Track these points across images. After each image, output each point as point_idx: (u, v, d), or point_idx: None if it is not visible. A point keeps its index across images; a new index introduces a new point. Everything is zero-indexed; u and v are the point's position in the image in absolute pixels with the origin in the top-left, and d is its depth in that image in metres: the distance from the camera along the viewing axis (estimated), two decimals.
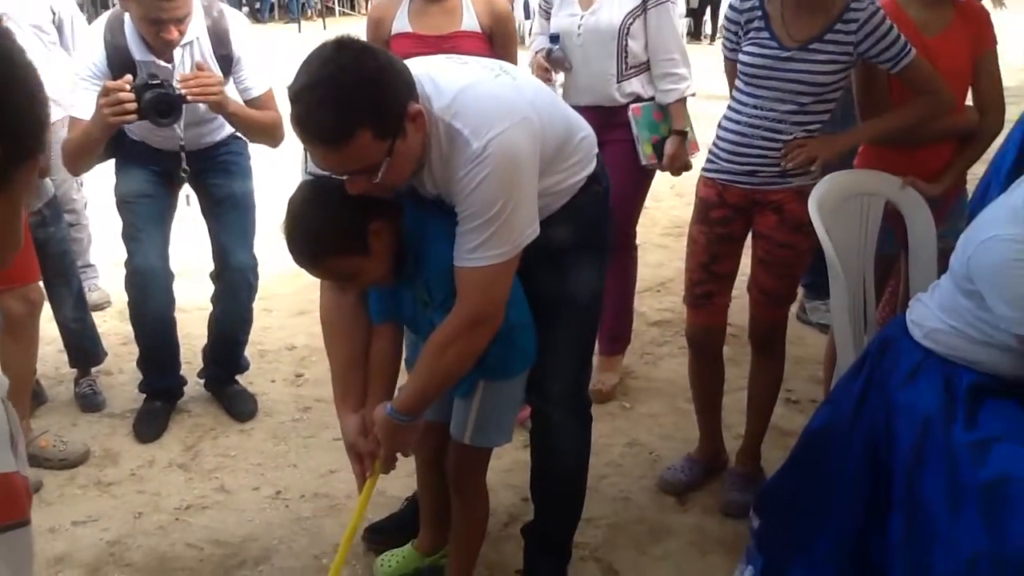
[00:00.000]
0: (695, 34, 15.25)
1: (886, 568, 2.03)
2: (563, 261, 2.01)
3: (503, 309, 1.83)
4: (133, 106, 2.53)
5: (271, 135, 2.92)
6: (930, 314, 2.04)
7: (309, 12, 20.60)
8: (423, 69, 1.80)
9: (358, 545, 2.49)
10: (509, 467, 2.85)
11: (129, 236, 2.98)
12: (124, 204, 2.96)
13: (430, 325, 1.97)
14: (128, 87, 2.53)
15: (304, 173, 1.88)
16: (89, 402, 3.29)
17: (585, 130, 2.03)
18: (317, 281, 3.14)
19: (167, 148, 2.87)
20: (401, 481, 2.77)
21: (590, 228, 2.05)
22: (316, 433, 3.15)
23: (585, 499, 2.36)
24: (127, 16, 2.71)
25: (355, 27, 1.72)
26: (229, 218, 3.06)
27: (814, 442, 2.21)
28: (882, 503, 2.05)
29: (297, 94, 1.63)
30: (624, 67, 3.05)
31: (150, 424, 3.13)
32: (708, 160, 2.58)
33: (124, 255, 3.04)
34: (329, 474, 2.89)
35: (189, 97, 2.61)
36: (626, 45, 3.02)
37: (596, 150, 2.06)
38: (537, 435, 2.24)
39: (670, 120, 3.12)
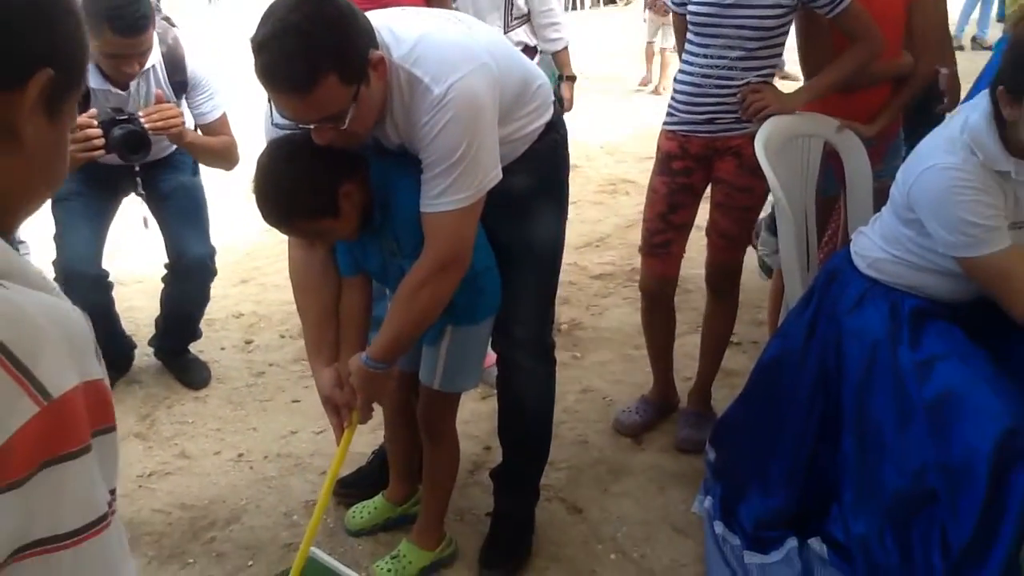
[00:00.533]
0: None
1: (838, 485, 2.17)
2: (523, 208, 2.05)
3: (471, 250, 1.88)
4: (101, 142, 2.52)
5: (227, 159, 2.95)
6: (873, 245, 2.16)
7: None
8: (381, 20, 1.81)
9: (318, 487, 2.50)
10: (468, 418, 2.91)
11: (58, 234, 2.93)
12: (56, 203, 2.88)
13: (399, 273, 2.00)
14: (95, 123, 2.52)
15: (269, 126, 1.87)
16: None
17: (541, 78, 2.06)
18: (257, 250, 3.11)
19: (117, 164, 2.81)
20: (366, 437, 2.81)
21: (549, 175, 2.10)
22: (272, 396, 3.15)
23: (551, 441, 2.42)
24: None
25: None
26: (181, 209, 3.01)
27: (767, 373, 2.33)
28: (833, 423, 2.18)
29: (261, 44, 1.62)
30: (510, 18, 3.18)
31: None
32: (668, 114, 2.65)
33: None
34: (290, 435, 2.91)
35: (149, 128, 2.62)
36: None
37: (552, 97, 2.10)
38: (503, 379, 2.29)
39: (559, 68, 3.40)
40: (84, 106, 2.78)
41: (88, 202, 2.90)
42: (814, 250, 2.63)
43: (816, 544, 2.18)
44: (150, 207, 3.01)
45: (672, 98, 2.65)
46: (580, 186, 5.22)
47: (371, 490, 2.50)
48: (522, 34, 3.29)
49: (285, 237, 2.05)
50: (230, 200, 4.51)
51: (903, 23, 2.61)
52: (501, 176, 1.88)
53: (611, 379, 3.23)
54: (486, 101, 1.80)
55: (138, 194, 2.90)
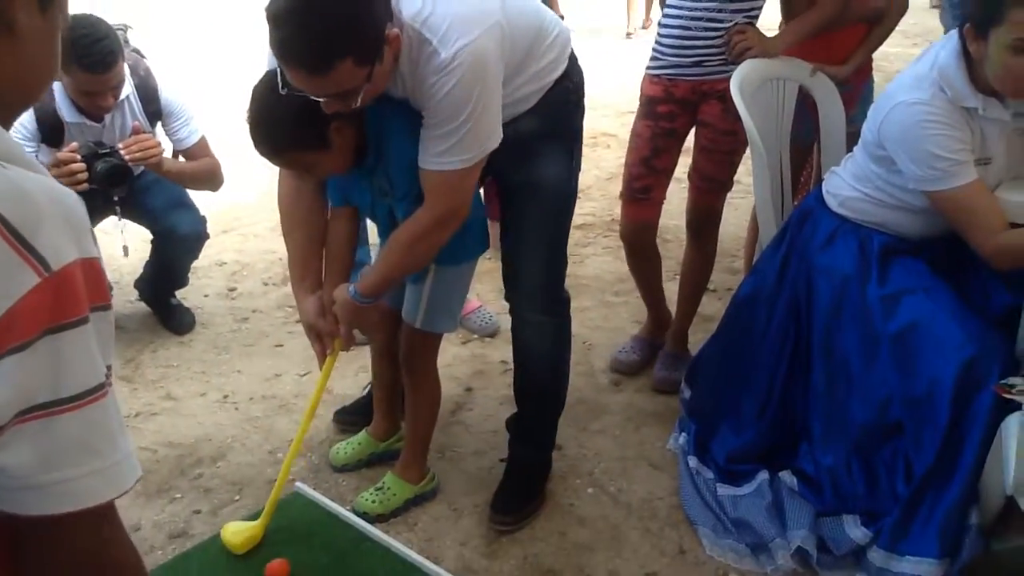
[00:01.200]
0: None
1: (807, 416, 2.24)
2: (528, 150, 2.06)
3: (469, 205, 1.92)
4: (85, 176, 2.57)
5: (210, 182, 2.99)
6: (844, 184, 2.21)
7: None
8: None
9: (313, 437, 2.58)
10: (450, 361, 2.96)
11: None
12: None
13: (387, 211, 2.04)
14: (78, 157, 2.56)
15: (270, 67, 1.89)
16: None
17: (558, 27, 2.05)
18: (240, 201, 3.13)
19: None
20: (349, 380, 2.87)
21: (558, 119, 2.09)
22: (256, 341, 3.19)
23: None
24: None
25: None
26: (163, 195, 3.01)
27: (740, 310, 2.39)
28: (803, 358, 2.24)
29: (278, 16, 1.61)
30: None
31: None
32: (652, 58, 2.67)
33: None
34: (274, 377, 2.96)
35: (129, 159, 2.68)
36: None
37: (570, 47, 2.09)
38: (514, 331, 2.31)
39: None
40: (57, 141, 2.78)
41: None
42: (788, 195, 2.67)
43: (787, 476, 2.24)
44: (131, 210, 2.99)
45: (657, 42, 2.66)
46: None
47: (367, 419, 2.56)
48: None
49: (267, 188, 2.08)
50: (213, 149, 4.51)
51: None
52: (502, 136, 1.89)
53: (590, 325, 3.28)
54: (492, 65, 1.80)
55: (119, 218, 2.91)
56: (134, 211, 3.00)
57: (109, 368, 0.78)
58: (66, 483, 0.74)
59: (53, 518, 0.74)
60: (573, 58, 2.11)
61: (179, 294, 3.39)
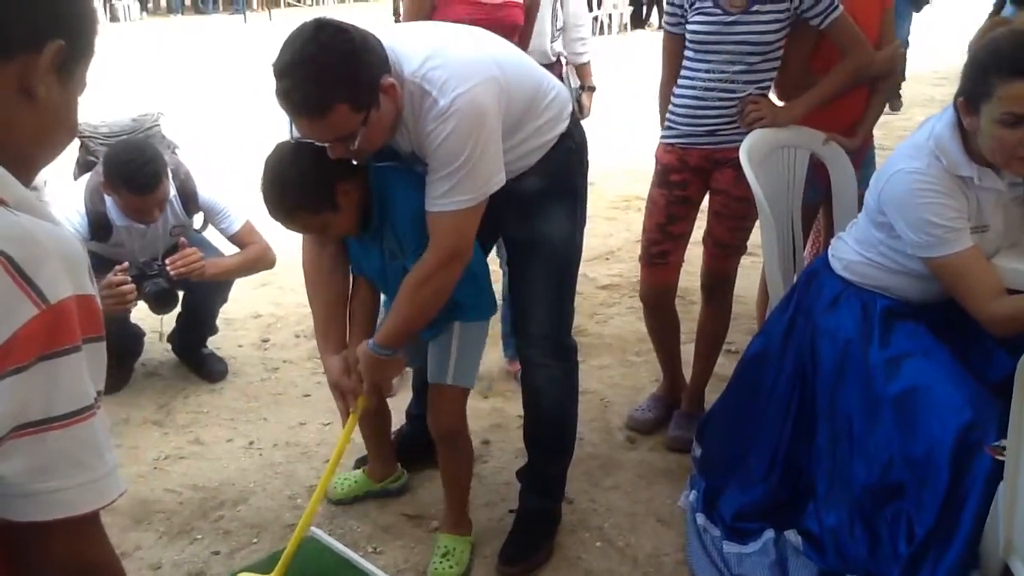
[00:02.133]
0: (638, 22, 15.64)
1: (812, 475, 2.26)
2: (533, 207, 2.17)
3: (471, 247, 2.02)
4: (134, 295, 2.77)
5: (260, 266, 3.19)
6: (848, 248, 2.27)
7: (254, 3, 20.52)
8: (395, 37, 1.97)
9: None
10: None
11: None
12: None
13: (399, 274, 2.15)
14: (128, 278, 2.74)
15: (291, 138, 2.05)
16: None
17: (556, 88, 2.17)
18: (277, 254, 3.29)
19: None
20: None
21: (561, 177, 2.19)
22: (285, 390, 3.30)
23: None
24: None
25: (301, 18, 1.93)
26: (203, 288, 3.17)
27: (749, 369, 2.44)
28: (809, 418, 2.28)
29: (282, 70, 1.80)
30: (554, 30, 3.36)
31: (113, 378, 3.21)
32: (667, 128, 2.77)
33: None
34: (299, 426, 3.05)
35: (175, 275, 2.88)
36: (556, 10, 3.38)
37: (570, 108, 2.21)
38: (524, 378, 2.39)
39: (581, 79, 3.70)
40: (105, 237, 2.97)
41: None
42: (800, 253, 2.73)
43: (792, 536, 2.26)
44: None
45: (671, 112, 2.76)
46: (593, 202, 5.28)
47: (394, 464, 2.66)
48: (558, 44, 3.52)
49: (300, 243, 2.22)
50: (249, 209, 4.68)
51: (877, 28, 2.72)
52: (504, 181, 2.01)
53: (609, 382, 3.34)
54: (490, 112, 1.93)
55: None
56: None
57: (99, 393, 0.88)
58: (57, 492, 0.83)
59: (45, 524, 0.83)
60: (574, 118, 2.22)
61: (214, 343, 3.53)
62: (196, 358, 3.43)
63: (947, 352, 2.09)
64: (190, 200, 3.10)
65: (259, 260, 3.16)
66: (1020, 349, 1.99)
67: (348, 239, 2.19)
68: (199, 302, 3.32)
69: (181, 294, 3.29)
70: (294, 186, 1.98)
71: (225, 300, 3.39)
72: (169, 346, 3.51)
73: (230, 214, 3.15)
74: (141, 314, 3.54)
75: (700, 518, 2.41)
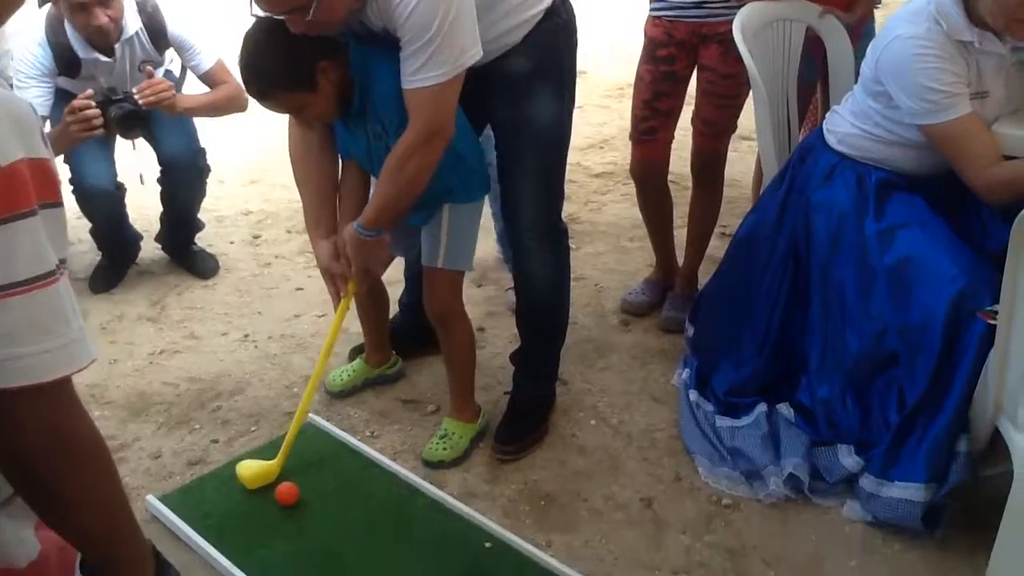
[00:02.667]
0: None
1: (805, 350, 2.27)
2: (520, 89, 2.11)
3: (452, 123, 1.97)
4: (100, 121, 2.62)
5: (231, 107, 3.03)
6: (843, 121, 2.22)
7: None
8: None
9: (327, 373, 2.67)
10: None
11: (70, 155, 3.02)
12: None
13: (385, 155, 2.11)
14: (93, 104, 2.61)
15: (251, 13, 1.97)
16: None
17: None
18: (265, 152, 3.20)
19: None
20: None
21: (548, 57, 2.12)
22: (278, 284, 3.29)
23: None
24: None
25: None
26: (167, 119, 3.04)
27: (742, 247, 2.42)
28: (802, 294, 2.27)
29: None
30: None
31: (104, 278, 3.27)
32: (655, 0, 2.69)
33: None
34: (293, 318, 3.05)
35: (143, 103, 2.74)
36: None
37: None
38: (516, 261, 2.37)
39: None
40: (75, 74, 2.85)
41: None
42: (795, 132, 2.68)
43: (784, 408, 2.28)
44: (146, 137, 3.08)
45: None
46: (586, 91, 5.23)
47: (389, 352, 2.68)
48: None
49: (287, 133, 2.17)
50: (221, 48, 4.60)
51: None
52: (481, 54, 1.94)
53: (603, 268, 3.33)
54: None
55: (133, 147, 3.02)
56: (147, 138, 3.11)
57: (63, 262, 0.85)
58: (21, 359, 0.81)
59: (13, 391, 0.82)
60: None
61: (205, 241, 3.50)
62: (186, 256, 3.41)
63: (942, 222, 2.07)
64: (158, 35, 2.96)
65: (231, 100, 3.01)
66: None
67: (336, 124, 2.14)
68: (178, 199, 3.26)
69: (160, 189, 3.26)
70: (271, 63, 1.92)
71: (203, 193, 3.32)
72: (160, 245, 3.48)
73: (201, 51, 3.02)
74: (145, 223, 3.53)
75: (693, 394, 2.43)
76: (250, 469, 2.23)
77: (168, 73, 3.09)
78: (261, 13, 1.88)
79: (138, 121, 2.79)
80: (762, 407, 2.30)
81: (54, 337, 0.83)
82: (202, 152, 3.22)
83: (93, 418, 0.91)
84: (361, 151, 2.17)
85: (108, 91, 2.77)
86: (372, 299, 2.54)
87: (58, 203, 0.86)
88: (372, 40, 2.02)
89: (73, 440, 0.87)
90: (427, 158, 1.96)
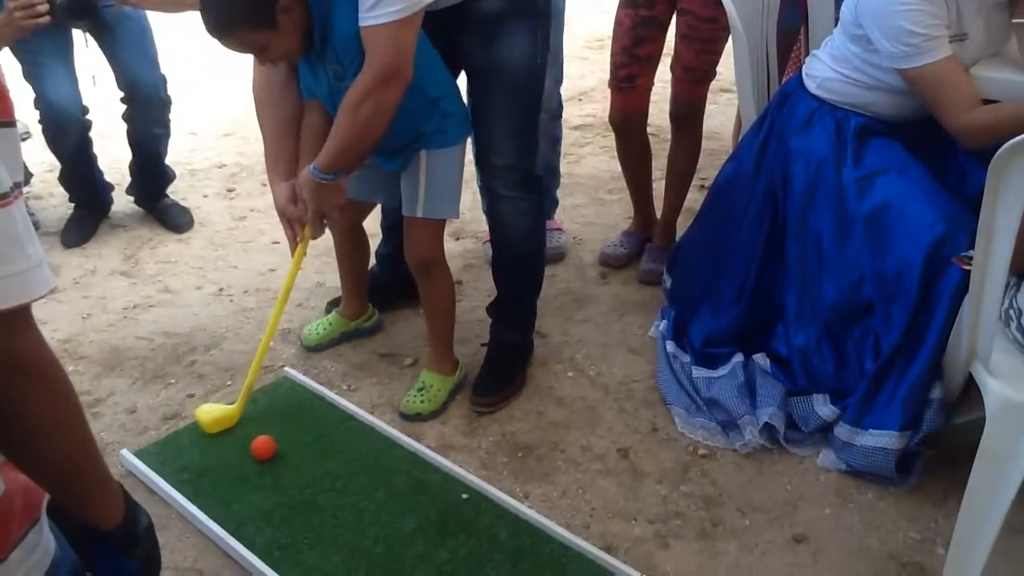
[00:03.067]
0: None
1: (782, 295, 2.26)
2: (494, 30, 2.06)
3: (410, 62, 1.90)
4: (45, 8, 2.49)
5: (180, 5, 2.82)
6: (823, 66, 2.19)
7: None
8: None
9: (302, 327, 2.64)
10: None
11: (33, 75, 2.95)
12: (20, 43, 2.88)
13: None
14: None
15: None
16: None
17: None
18: (239, 105, 3.10)
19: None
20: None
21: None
22: (253, 238, 3.25)
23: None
24: None
25: None
26: (127, 39, 2.99)
27: (720, 195, 2.40)
28: (780, 241, 2.26)
29: None
30: None
31: (76, 231, 3.23)
32: None
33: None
34: (269, 272, 3.02)
35: None
36: None
37: None
38: (489, 209, 2.34)
39: None
40: None
41: (51, 36, 2.82)
42: (774, 79, 2.65)
43: (760, 359, 2.28)
44: (95, 38, 2.98)
45: None
46: (567, 42, 5.13)
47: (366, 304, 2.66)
48: None
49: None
50: (211, 56, 4.51)
51: None
52: None
53: (582, 221, 3.31)
54: None
55: (86, 44, 2.90)
56: (104, 51, 3.01)
57: (17, 185, 0.82)
58: None
59: None
60: None
61: (178, 194, 3.45)
62: (158, 208, 3.36)
63: (921, 168, 2.05)
64: None
65: None
66: None
67: (300, 63, 2.08)
68: (142, 132, 3.18)
69: (125, 128, 3.19)
70: (231, 3, 1.87)
71: (168, 130, 3.24)
72: (133, 198, 3.43)
73: None
74: (117, 176, 3.46)
75: (670, 345, 2.43)
76: (210, 414, 2.22)
77: None
78: None
79: (85, 9, 2.64)
80: (738, 357, 2.30)
81: (9, 263, 0.79)
82: (164, 80, 3.13)
83: (67, 372, 0.89)
84: (323, 92, 2.11)
85: None
86: (352, 246, 2.51)
87: (10, 122, 0.82)
88: None
89: (30, 366, 0.84)
90: (383, 100, 1.91)
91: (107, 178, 3.39)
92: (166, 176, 3.38)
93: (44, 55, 2.90)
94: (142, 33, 3.03)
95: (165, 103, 3.17)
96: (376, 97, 1.89)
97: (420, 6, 1.85)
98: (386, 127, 1.95)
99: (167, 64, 3.17)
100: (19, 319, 0.81)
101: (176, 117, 3.28)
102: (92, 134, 3.21)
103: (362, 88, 1.89)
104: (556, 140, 3.03)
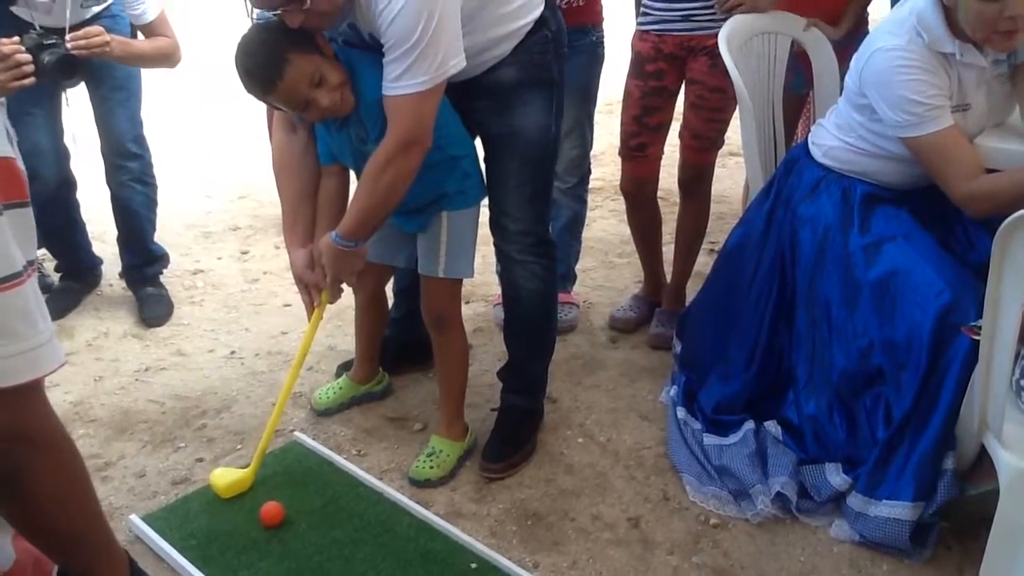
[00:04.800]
0: None
1: (792, 363, 2.26)
2: (509, 99, 2.12)
3: (431, 132, 1.95)
4: (32, 68, 2.44)
5: (164, 61, 2.90)
6: (828, 134, 2.22)
7: None
8: None
9: (313, 390, 2.65)
10: None
11: (15, 119, 2.87)
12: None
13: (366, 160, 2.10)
14: (23, 49, 2.43)
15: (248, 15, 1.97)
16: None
17: None
18: (255, 168, 3.14)
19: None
20: (350, 338, 2.94)
21: (537, 67, 2.13)
22: (266, 301, 3.27)
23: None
24: None
25: None
26: (111, 92, 2.97)
27: (728, 261, 2.41)
28: (789, 308, 2.27)
29: None
30: None
31: (58, 301, 3.17)
32: (642, 14, 2.69)
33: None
34: (281, 335, 3.03)
35: (75, 52, 2.56)
36: None
37: None
38: (502, 275, 2.36)
39: None
40: (6, 4, 2.64)
41: (33, 95, 2.74)
42: (781, 145, 2.68)
43: (771, 426, 2.27)
44: (88, 89, 2.96)
45: None
46: None
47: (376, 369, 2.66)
48: None
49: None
50: (226, 119, 4.60)
51: None
52: (464, 64, 1.95)
53: (592, 284, 3.32)
54: None
55: (66, 104, 2.89)
56: (92, 103, 2.98)
57: (31, 263, 0.84)
58: None
59: None
60: (550, 3, 2.14)
61: (194, 255, 3.47)
62: (140, 296, 3.21)
63: (928, 236, 2.07)
64: None
65: (168, 54, 2.84)
66: None
67: (318, 127, 2.13)
68: (122, 192, 3.11)
69: (111, 196, 3.12)
70: (274, 42, 1.91)
71: (148, 195, 3.15)
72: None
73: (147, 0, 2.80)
74: (98, 229, 3.47)
75: (681, 412, 2.42)
76: (223, 478, 2.22)
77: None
78: (259, 13, 1.90)
79: (73, 68, 2.57)
80: (749, 424, 2.29)
81: (20, 340, 0.81)
82: (138, 137, 3.07)
83: (77, 436, 0.91)
84: (347, 154, 2.16)
85: (39, 35, 2.53)
86: (375, 312, 2.55)
87: (25, 202, 0.84)
88: (362, 45, 2.03)
89: (38, 438, 0.86)
90: (404, 167, 1.95)
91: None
92: (151, 254, 3.25)
93: (28, 103, 2.87)
94: (127, 91, 3.00)
95: (140, 160, 3.10)
96: (397, 165, 1.93)
97: (444, 78, 1.90)
98: (406, 192, 1.99)
99: (182, 127, 3.23)
100: (29, 393, 0.83)
101: (192, 180, 3.35)
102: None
103: (383, 156, 1.93)
104: (582, 202, 3.04)
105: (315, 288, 2.15)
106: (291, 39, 1.92)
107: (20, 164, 0.84)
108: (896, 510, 1.96)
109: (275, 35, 1.92)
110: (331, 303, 2.18)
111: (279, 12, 1.86)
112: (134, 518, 2.14)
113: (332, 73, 1.97)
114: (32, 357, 0.82)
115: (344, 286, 2.20)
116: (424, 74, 1.86)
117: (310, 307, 2.18)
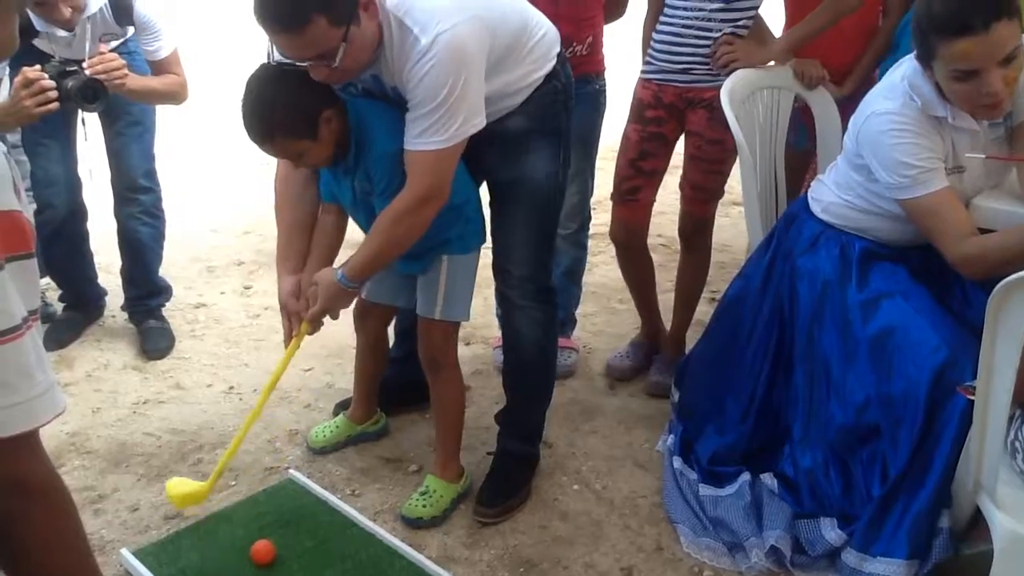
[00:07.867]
0: None
1: (789, 416, 2.26)
2: (518, 147, 2.16)
3: (448, 187, 2.00)
4: (55, 94, 2.49)
5: (172, 99, 2.97)
6: (827, 191, 2.25)
7: None
8: None
9: (310, 428, 2.65)
10: None
11: (29, 151, 3.00)
12: (24, 147, 2.93)
13: (368, 211, 2.13)
14: (46, 76, 2.48)
15: (272, 61, 2.01)
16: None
17: (544, 28, 2.14)
18: (260, 203, 3.18)
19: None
20: (349, 377, 2.94)
21: (546, 117, 2.17)
22: (266, 336, 3.28)
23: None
24: None
25: None
26: (124, 132, 3.02)
27: (728, 312, 2.43)
28: (787, 361, 2.27)
29: None
30: None
31: (60, 331, 3.20)
32: (645, 63, 2.74)
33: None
34: None
35: (92, 75, 2.59)
36: None
37: (557, 48, 2.18)
38: (503, 319, 2.39)
39: None
40: (28, 39, 2.67)
41: (50, 125, 2.85)
42: (783, 200, 2.71)
43: (767, 479, 2.27)
44: (102, 122, 3.01)
45: (651, 47, 2.73)
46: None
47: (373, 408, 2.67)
48: None
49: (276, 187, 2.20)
50: (233, 155, 4.64)
51: None
52: (484, 123, 1.99)
53: (592, 330, 3.33)
54: (472, 51, 1.91)
55: (85, 138, 2.95)
56: (104, 137, 3.02)
57: (32, 313, 0.85)
58: None
59: None
60: (562, 59, 2.19)
61: (197, 289, 3.49)
62: (142, 327, 3.24)
63: (925, 293, 2.08)
64: (123, 11, 2.82)
65: (178, 92, 2.93)
66: None
67: (323, 169, 2.17)
68: (129, 227, 3.14)
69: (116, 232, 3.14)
70: (277, 108, 1.95)
71: (155, 229, 3.19)
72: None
73: (163, 36, 2.87)
74: (104, 260, 3.49)
75: (677, 462, 2.41)
76: (179, 488, 2.17)
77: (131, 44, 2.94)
78: (283, 61, 1.93)
79: (97, 92, 2.59)
80: (745, 476, 2.28)
81: (15, 393, 0.82)
82: (149, 172, 3.11)
83: (73, 467, 0.92)
84: (347, 201, 2.20)
85: (60, 63, 2.59)
86: (377, 353, 2.56)
87: (29, 254, 0.86)
88: (383, 97, 2.07)
89: (31, 486, 0.87)
90: (420, 219, 2.00)
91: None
92: (155, 287, 3.29)
93: (43, 133, 2.92)
94: (140, 128, 3.05)
95: (148, 190, 3.13)
96: (413, 216, 1.98)
97: (465, 136, 1.95)
98: (415, 242, 2.03)
99: (190, 162, 3.27)
100: (23, 443, 0.84)
101: (198, 214, 3.37)
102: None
103: (402, 207, 1.97)
104: (583, 248, 3.07)
105: (296, 317, 2.18)
106: (285, 124, 1.96)
107: (28, 215, 0.86)
108: (891, 567, 1.95)
109: (273, 115, 1.96)
110: (310, 335, 2.20)
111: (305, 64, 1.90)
112: (125, 552, 2.14)
113: (316, 153, 2.04)
114: (26, 409, 0.83)
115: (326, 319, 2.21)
116: (446, 132, 1.91)
117: (288, 335, 2.21)
